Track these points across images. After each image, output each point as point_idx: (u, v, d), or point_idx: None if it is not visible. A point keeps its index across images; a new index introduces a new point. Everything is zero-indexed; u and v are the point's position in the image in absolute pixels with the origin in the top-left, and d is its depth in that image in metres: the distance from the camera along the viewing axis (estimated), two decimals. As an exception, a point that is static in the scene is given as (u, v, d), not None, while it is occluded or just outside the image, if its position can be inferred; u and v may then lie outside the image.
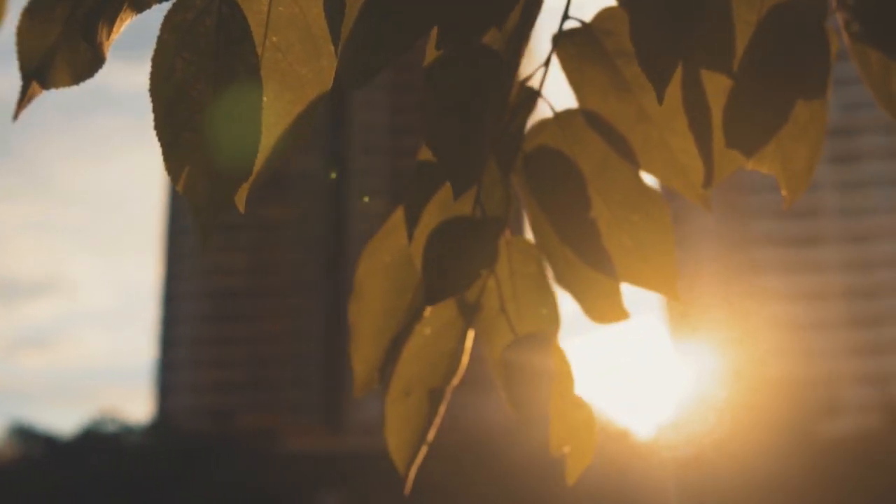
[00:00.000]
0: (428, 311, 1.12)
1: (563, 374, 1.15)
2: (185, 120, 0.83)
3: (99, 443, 55.79)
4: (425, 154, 1.04)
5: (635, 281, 1.10)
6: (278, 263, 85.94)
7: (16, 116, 0.77)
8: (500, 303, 1.16)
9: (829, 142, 77.44)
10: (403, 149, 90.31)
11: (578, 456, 1.16)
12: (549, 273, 1.20)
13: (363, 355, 1.10)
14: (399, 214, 1.11)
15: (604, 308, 1.17)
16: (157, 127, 0.83)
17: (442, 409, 1.14)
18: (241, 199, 0.87)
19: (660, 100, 0.89)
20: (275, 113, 0.85)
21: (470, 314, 1.14)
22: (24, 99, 0.80)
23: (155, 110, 0.83)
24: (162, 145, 0.83)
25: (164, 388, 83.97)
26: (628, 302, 1.18)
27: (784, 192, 1.06)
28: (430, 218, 1.03)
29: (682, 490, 46.52)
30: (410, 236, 1.01)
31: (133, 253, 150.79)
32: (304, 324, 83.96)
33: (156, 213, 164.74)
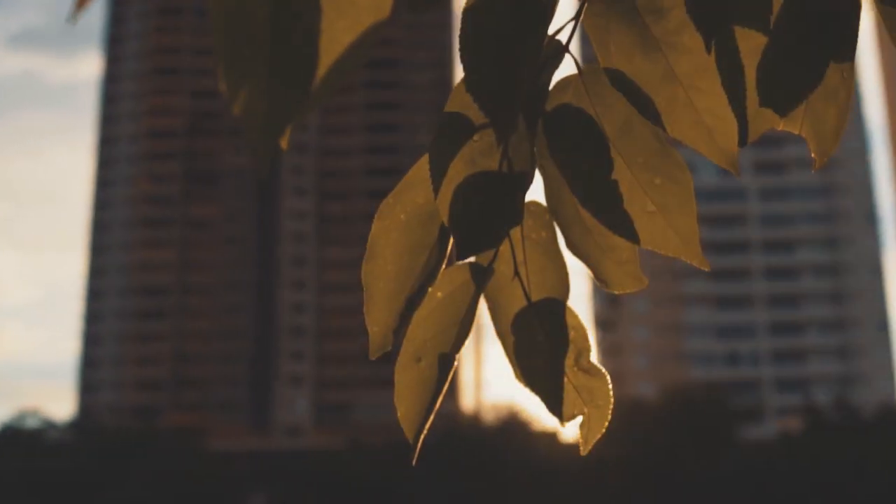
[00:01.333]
0: (441, 273, 1.08)
1: (579, 341, 1.12)
2: (244, 41, 0.81)
3: (20, 439, 54.77)
4: (452, 105, 1.00)
5: (658, 246, 1.08)
6: (207, 260, 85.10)
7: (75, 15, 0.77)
8: (513, 267, 1.12)
9: (752, 151, 78.78)
10: (333, 148, 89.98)
11: (593, 425, 1.13)
12: (561, 240, 1.16)
13: (377, 317, 1.06)
14: (414, 172, 1.07)
15: (620, 276, 1.14)
16: (216, 47, 0.83)
17: (450, 376, 1.10)
18: (285, 137, 0.89)
19: (707, 48, 0.90)
20: (330, 39, 0.86)
21: (482, 278, 1.10)
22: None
23: (215, 31, 0.83)
24: (221, 66, 0.83)
25: (88, 384, 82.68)
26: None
27: (813, 154, 1.05)
28: (457, 172, 0.99)
29: (604, 489, 46.89)
30: (437, 190, 0.97)
31: (57, 247, 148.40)
32: (232, 322, 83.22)
33: (81, 208, 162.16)
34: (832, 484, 45.01)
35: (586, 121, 1.06)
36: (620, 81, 1.05)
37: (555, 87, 1.07)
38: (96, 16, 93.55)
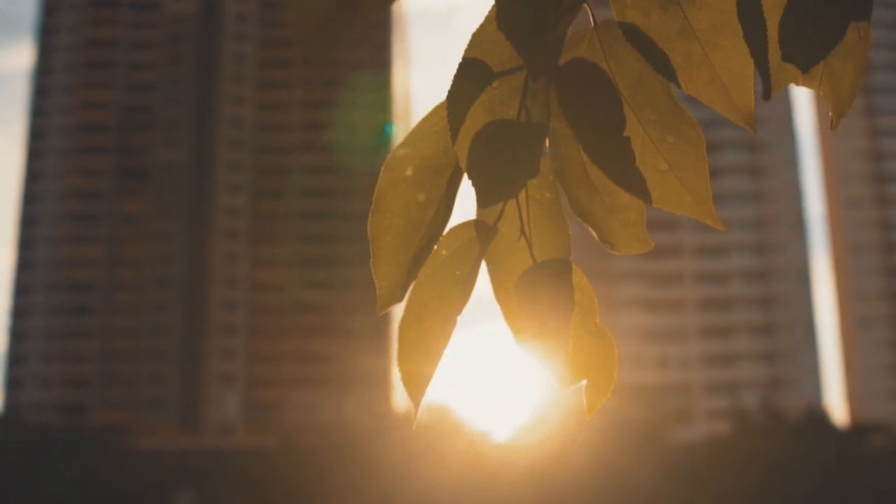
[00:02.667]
0: (447, 228, 1.05)
1: (585, 303, 1.10)
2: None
3: (-58, 436, 53.58)
4: (470, 52, 0.97)
5: (671, 205, 1.05)
6: (137, 257, 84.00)
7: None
8: (519, 227, 1.09)
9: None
10: (270, 145, 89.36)
11: (598, 388, 1.11)
12: (564, 201, 1.14)
13: (384, 271, 1.02)
14: (422, 124, 1.04)
15: (627, 238, 1.12)
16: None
17: (450, 337, 1.07)
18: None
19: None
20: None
21: (487, 237, 1.07)
22: None
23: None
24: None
25: (14, 381, 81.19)
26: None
27: (831, 113, 1.04)
28: (475, 119, 0.96)
29: (535, 492, 47.08)
30: (455, 136, 0.94)
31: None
32: (161, 319, 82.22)
33: (10, 202, 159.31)
34: (759, 485, 45.66)
35: (600, 76, 1.03)
36: (635, 36, 1.03)
37: (568, 40, 1.04)
38: (29, 5, 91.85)
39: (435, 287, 1.06)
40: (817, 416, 54.29)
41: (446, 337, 1.07)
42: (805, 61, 0.97)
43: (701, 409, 77.35)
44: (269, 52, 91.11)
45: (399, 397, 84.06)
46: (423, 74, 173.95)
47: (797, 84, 1.02)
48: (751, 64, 1.02)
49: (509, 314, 1.15)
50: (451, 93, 0.95)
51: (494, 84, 0.98)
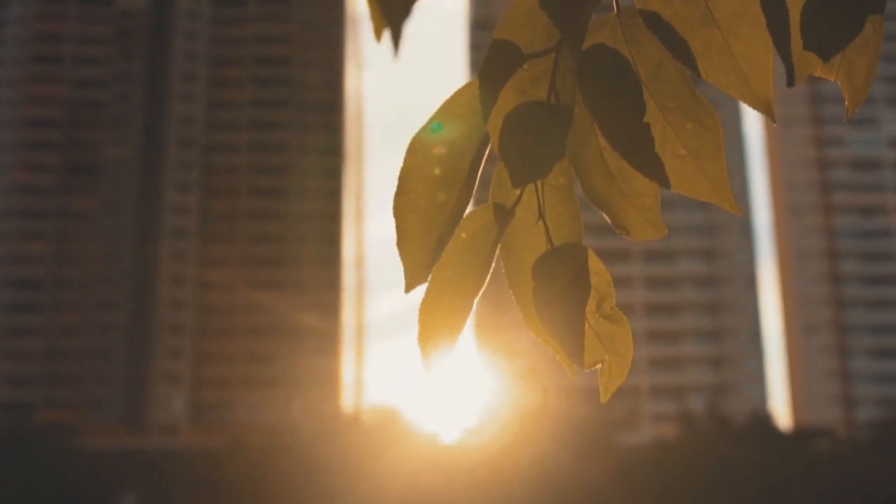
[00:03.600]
0: (467, 212, 1.06)
1: (602, 287, 1.11)
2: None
3: None
4: (502, 33, 0.98)
5: (689, 191, 1.07)
6: (84, 254, 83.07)
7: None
8: (537, 212, 1.10)
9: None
10: (219, 144, 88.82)
11: (614, 372, 1.12)
12: (577, 187, 1.15)
13: (409, 252, 1.03)
14: (446, 106, 1.05)
15: (642, 224, 1.13)
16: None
17: (468, 318, 1.08)
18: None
19: None
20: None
21: (504, 221, 1.08)
22: None
23: None
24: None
25: (-45, 379, 79.93)
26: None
27: (847, 102, 1.06)
28: (506, 100, 0.97)
29: (485, 493, 47.18)
30: (486, 116, 0.95)
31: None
32: (107, 318, 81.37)
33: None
34: (704, 488, 46.09)
35: (621, 62, 1.05)
36: (656, 24, 1.05)
37: (591, 26, 1.05)
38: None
39: (455, 269, 1.07)
40: (762, 420, 54.94)
41: (464, 318, 1.08)
42: (826, 51, 0.99)
43: (648, 413, 77.94)
44: (219, 49, 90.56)
45: (347, 399, 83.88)
46: (375, 75, 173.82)
47: (816, 74, 1.04)
48: (770, 53, 1.04)
49: (522, 299, 1.16)
50: (482, 73, 0.96)
51: (525, 66, 0.99)
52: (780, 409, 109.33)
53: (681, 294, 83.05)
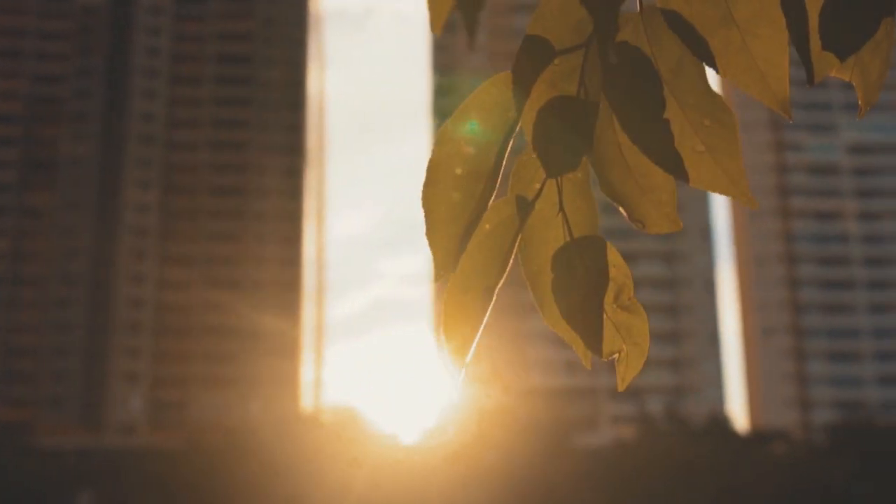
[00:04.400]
0: (490, 204, 1.09)
1: (620, 278, 1.14)
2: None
3: None
4: (533, 29, 1.01)
5: (707, 185, 1.10)
6: (41, 251, 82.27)
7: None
8: (557, 204, 1.13)
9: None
10: (180, 141, 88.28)
11: (631, 362, 1.15)
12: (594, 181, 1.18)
13: (439, 242, 1.06)
14: (472, 100, 1.07)
15: (658, 217, 1.16)
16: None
17: (490, 308, 1.11)
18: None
19: None
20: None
21: (526, 214, 1.11)
22: None
23: None
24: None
25: None
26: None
27: (860, 101, 1.10)
28: (539, 94, 1.00)
29: (444, 493, 47.23)
30: (520, 110, 0.98)
31: None
32: (65, 315, 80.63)
33: None
34: (662, 489, 46.39)
35: (643, 60, 1.08)
36: (677, 23, 1.08)
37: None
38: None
39: (478, 260, 1.10)
40: (719, 422, 55.39)
41: (486, 308, 1.11)
42: (843, 51, 1.03)
43: (607, 414, 78.36)
44: (182, 46, 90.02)
45: (306, 399, 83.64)
46: (337, 75, 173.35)
47: (832, 74, 1.08)
48: (786, 53, 1.07)
49: (538, 291, 1.19)
50: (516, 68, 0.98)
51: (557, 61, 1.02)
52: (738, 412, 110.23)
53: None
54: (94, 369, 79.67)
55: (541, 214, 1.16)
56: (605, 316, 1.13)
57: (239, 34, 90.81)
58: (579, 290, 1.12)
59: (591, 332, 1.12)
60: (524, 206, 1.11)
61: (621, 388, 1.16)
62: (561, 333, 1.20)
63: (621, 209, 1.18)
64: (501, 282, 1.13)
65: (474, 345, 1.10)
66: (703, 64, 1.10)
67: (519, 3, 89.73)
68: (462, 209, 1.06)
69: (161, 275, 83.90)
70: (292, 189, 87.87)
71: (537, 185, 1.14)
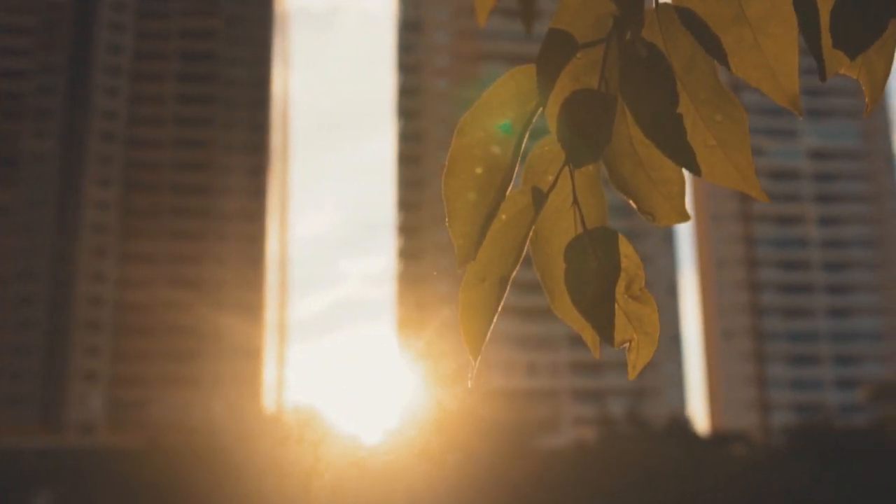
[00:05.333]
0: (510, 193, 1.11)
1: (631, 269, 1.17)
2: None
3: None
4: (557, 23, 1.03)
5: (718, 179, 1.13)
6: (1, 248, 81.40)
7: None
8: (570, 196, 1.16)
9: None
10: (142, 139, 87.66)
11: (642, 350, 1.18)
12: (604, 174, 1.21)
13: (460, 230, 1.08)
14: (491, 93, 1.10)
15: (667, 210, 1.19)
16: None
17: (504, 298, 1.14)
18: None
19: None
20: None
21: (540, 205, 1.14)
22: None
23: None
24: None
25: None
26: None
27: (867, 98, 1.13)
28: (563, 87, 1.03)
29: (406, 494, 47.16)
30: (544, 102, 1.00)
31: None
32: (24, 313, 79.83)
33: None
34: (622, 490, 46.62)
35: (657, 55, 1.11)
36: (690, 20, 1.11)
37: (630, 20, 1.11)
38: None
39: (495, 249, 1.12)
40: (680, 424, 55.76)
41: (502, 297, 1.13)
42: (853, 50, 1.06)
43: (568, 416, 78.63)
44: (145, 43, 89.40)
45: (269, 399, 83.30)
46: (302, 73, 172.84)
47: (840, 71, 1.11)
48: (796, 51, 1.10)
49: (549, 281, 1.21)
50: (540, 60, 1.01)
51: (579, 55, 1.04)
52: (698, 414, 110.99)
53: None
54: (53, 368, 78.96)
55: (553, 206, 1.18)
56: (616, 306, 1.16)
57: (203, 32, 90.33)
58: (592, 280, 1.15)
59: (604, 322, 1.15)
60: (539, 198, 1.14)
61: (632, 376, 1.19)
62: (570, 323, 1.22)
63: (631, 202, 1.21)
64: (515, 272, 1.16)
65: (489, 332, 1.13)
66: (715, 61, 1.13)
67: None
68: (482, 199, 1.09)
69: (122, 273, 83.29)
70: (255, 188, 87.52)
71: (550, 178, 1.16)
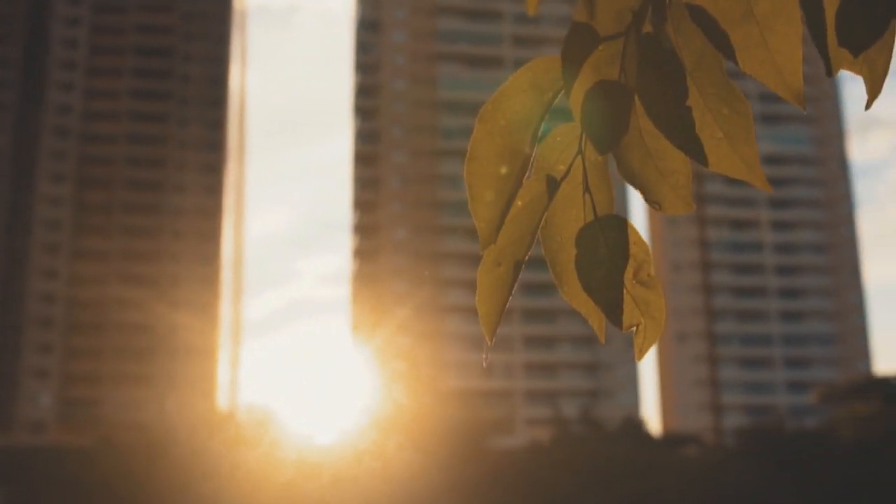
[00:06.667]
0: (525, 180, 1.16)
1: (639, 255, 1.21)
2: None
3: None
4: (579, 16, 1.07)
5: (724, 168, 1.18)
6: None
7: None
8: (583, 185, 1.20)
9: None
10: (96, 134, 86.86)
11: (649, 334, 1.22)
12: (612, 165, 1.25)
13: (482, 214, 1.12)
14: (511, 83, 1.14)
15: (674, 199, 1.24)
16: None
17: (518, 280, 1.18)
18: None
19: None
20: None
21: (553, 192, 1.18)
22: None
23: None
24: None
25: None
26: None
27: (868, 94, 1.18)
28: (586, 77, 1.07)
29: (359, 493, 47.18)
30: (569, 92, 1.04)
31: None
32: (-26, 310, 78.89)
33: None
34: (576, 490, 46.86)
35: (669, 51, 1.15)
36: (701, 17, 1.15)
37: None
38: None
39: (511, 234, 1.17)
40: (633, 425, 56.13)
41: (515, 280, 1.18)
42: (857, 47, 1.12)
43: (523, 417, 78.91)
44: (100, 38, 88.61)
45: (222, 398, 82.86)
46: (260, 71, 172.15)
47: (843, 68, 1.16)
48: (800, 48, 1.15)
49: (558, 267, 1.26)
50: (565, 51, 1.05)
51: (601, 47, 1.09)
52: (652, 415, 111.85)
53: (557, 300, 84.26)
54: (3, 366, 78.07)
55: (564, 194, 1.23)
56: (625, 291, 1.20)
57: (159, 27, 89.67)
58: (601, 266, 1.20)
59: (612, 306, 1.19)
60: (553, 186, 1.18)
61: (639, 358, 1.23)
62: (578, 307, 1.27)
63: (639, 192, 1.26)
64: (526, 257, 1.20)
65: (503, 314, 1.18)
66: (722, 57, 1.18)
67: (441, 5, 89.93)
68: (502, 185, 1.13)
69: (74, 270, 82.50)
70: (211, 185, 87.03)
71: (562, 167, 1.21)
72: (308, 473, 47.01)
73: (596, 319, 1.27)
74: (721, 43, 1.16)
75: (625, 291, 1.20)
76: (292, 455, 48.32)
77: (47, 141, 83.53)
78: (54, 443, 65.54)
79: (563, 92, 1.14)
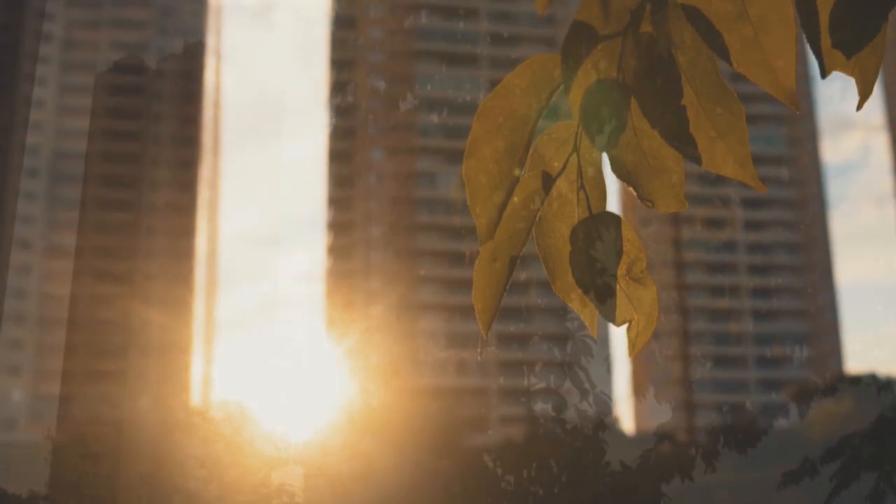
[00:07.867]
0: (522, 177, 1.17)
1: (633, 252, 1.23)
2: None
3: None
4: (580, 15, 1.09)
5: (717, 167, 1.20)
6: (-79, 238, 79.73)
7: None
8: (578, 182, 1.22)
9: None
10: (70, 129, 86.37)
11: (641, 330, 1.24)
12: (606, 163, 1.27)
13: (481, 212, 1.14)
14: (510, 79, 1.15)
15: (667, 198, 1.26)
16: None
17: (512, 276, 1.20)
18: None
19: None
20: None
21: (549, 189, 1.20)
22: None
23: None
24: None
25: None
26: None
27: (860, 95, 1.21)
28: (585, 76, 1.09)
29: (333, 491, 47.11)
30: (568, 90, 1.06)
31: None
32: (-55, 305, 78.25)
33: None
34: (550, 490, 46.98)
35: (665, 50, 1.17)
36: (695, 17, 1.17)
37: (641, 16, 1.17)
38: None
39: (507, 230, 1.18)
40: (608, 424, 56.33)
41: (510, 275, 1.20)
42: (850, 49, 1.14)
43: (496, 415, 78.98)
44: (74, 32, 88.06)
45: (196, 395, 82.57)
46: (235, 69, 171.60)
47: (836, 70, 1.19)
48: (794, 49, 1.17)
49: (552, 263, 1.27)
50: (565, 49, 1.07)
51: (600, 46, 1.10)
52: (625, 414, 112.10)
53: (530, 298, 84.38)
54: (-26, 361, 77.53)
55: (558, 191, 1.24)
56: (618, 287, 1.22)
57: (133, 22, 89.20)
58: (596, 262, 1.21)
59: (606, 302, 1.21)
60: (548, 182, 1.20)
61: (631, 354, 1.25)
62: (570, 303, 1.29)
63: (632, 189, 1.27)
64: (520, 255, 1.22)
65: (498, 311, 1.19)
66: (716, 56, 1.20)
67: (418, 2, 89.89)
68: (500, 181, 1.15)
69: (47, 265, 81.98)
70: (185, 181, 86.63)
71: (557, 164, 1.23)
72: (282, 471, 46.94)
73: (588, 315, 1.29)
74: (716, 43, 1.17)
75: (618, 287, 1.22)
76: (266, 452, 48.23)
77: (20, 137, 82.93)
78: (25, 439, 65.13)
79: (561, 90, 1.16)
